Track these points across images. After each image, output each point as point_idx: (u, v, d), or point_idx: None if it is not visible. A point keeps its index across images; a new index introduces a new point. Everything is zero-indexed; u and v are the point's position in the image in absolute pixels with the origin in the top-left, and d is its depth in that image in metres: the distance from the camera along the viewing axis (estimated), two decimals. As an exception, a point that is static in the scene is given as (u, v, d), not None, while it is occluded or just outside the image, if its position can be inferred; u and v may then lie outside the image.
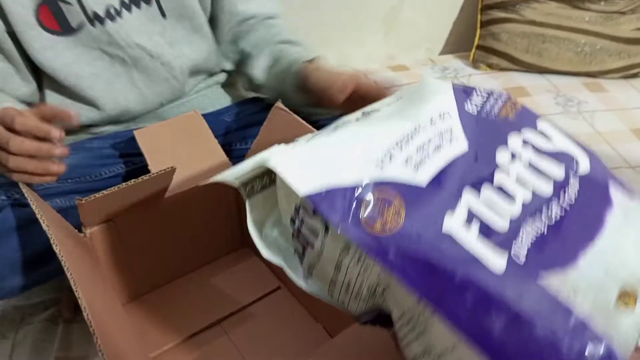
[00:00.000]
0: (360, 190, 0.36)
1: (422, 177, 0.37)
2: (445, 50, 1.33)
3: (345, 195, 0.35)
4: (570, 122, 1.05)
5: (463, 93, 0.45)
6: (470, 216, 0.36)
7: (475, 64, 1.22)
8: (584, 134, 1.02)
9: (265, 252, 0.41)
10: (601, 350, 0.31)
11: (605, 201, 0.39)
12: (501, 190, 0.38)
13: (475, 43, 1.22)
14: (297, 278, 0.41)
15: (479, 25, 1.21)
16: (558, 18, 1.16)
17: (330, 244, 0.36)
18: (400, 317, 0.37)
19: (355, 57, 1.23)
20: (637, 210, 0.40)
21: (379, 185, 0.36)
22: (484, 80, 1.17)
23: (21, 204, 0.60)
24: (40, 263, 0.60)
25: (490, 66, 1.21)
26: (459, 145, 0.40)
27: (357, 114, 0.45)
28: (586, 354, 0.31)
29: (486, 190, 0.38)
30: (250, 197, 0.41)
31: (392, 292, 0.37)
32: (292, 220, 0.39)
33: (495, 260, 0.34)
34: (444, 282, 0.33)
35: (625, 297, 0.34)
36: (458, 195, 0.37)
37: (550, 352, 0.31)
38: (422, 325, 0.35)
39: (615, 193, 0.40)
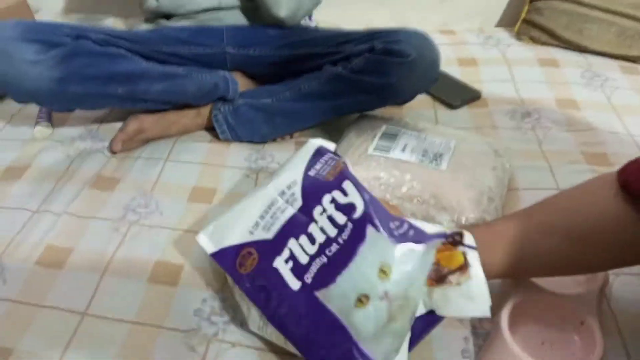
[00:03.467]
0: (236, 248, 0.66)
1: (271, 234, 0.65)
2: (499, 25, 1.43)
3: (229, 252, 0.66)
4: (588, 93, 1.12)
5: (313, 159, 0.70)
6: (289, 257, 0.63)
7: (518, 36, 1.32)
8: (597, 105, 1.09)
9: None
10: (344, 336, 0.57)
11: (361, 237, 0.60)
12: (311, 236, 0.63)
13: (522, 17, 1.31)
14: None
15: (528, 0, 1.31)
16: (603, 0, 1.22)
17: (228, 279, 0.68)
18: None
19: (410, 19, 1.38)
20: (380, 239, 0.59)
21: (247, 245, 0.65)
22: (521, 51, 1.27)
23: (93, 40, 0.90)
24: (101, 85, 0.89)
25: (532, 39, 1.29)
26: (297, 203, 0.66)
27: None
28: (336, 333, 0.57)
29: (302, 238, 0.63)
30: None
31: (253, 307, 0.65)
32: None
33: (294, 282, 0.61)
34: (270, 299, 0.61)
35: (361, 300, 0.57)
36: (285, 243, 0.63)
37: (319, 331, 0.58)
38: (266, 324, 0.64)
39: (369, 229, 0.60)
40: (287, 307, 0.60)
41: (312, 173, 0.68)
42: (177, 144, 1.02)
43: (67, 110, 0.99)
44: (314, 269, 0.61)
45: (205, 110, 1.04)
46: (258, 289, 0.62)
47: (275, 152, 0.99)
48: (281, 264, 0.62)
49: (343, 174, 0.66)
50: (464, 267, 0.57)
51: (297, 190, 0.67)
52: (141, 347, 0.66)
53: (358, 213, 0.62)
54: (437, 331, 0.67)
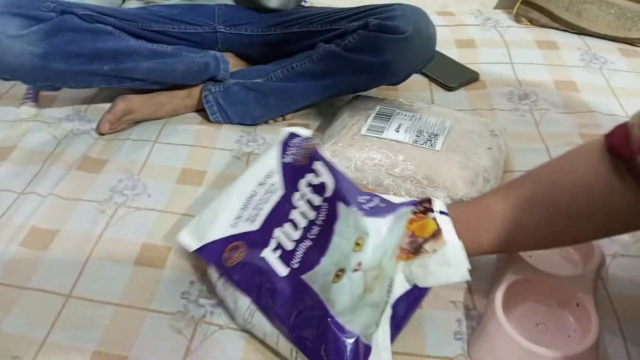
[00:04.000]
0: (221, 242, 0.65)
1: (256, 225, 0.66)
2: (497, 7, 1.40)
3: (214, 246, 0.65)
4: (586, 75, 1.10)
5: (285, 145, 0.70)
6: (276, 245, 0.63)
7: (517, 18, 1.29)
8: (595, 87, 1.07)
9: None
10: (321, 312, 0.56)
11: (335, 214, 0.61)
12: (293, 222, 0.64)
13: (521, -2, 1.29)
14: None
15: (526, -19, 1.28)
16: (604, -20, 1.19)
17: (211, 275, 0.67)
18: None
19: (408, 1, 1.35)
20: (350, 214, 0.59)
21: (234, 238, 0.65)
22: (519, 33, 1.24)
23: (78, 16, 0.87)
24: (85, 62, 0.87)
25: (531, 21, 1.27)
26: (279, 192, 0.67)
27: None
28: (315, 310, 0.56)
29: (286, 225, 0.64)
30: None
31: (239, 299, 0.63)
32: None
33: (282, 269, 0.61)
34: (259, 286, 0.60)
35: (338, 274, 0.57)
36: (271, 233, 0.64)
37: (302, 311, 0.57)
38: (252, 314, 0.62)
39: (340, 206, 0.60)
40: (276, 293, 0.59)
41: (287, 160, 0.69)
42: (166, 125, 1.00)
43: (52, 88, 0.96)
44: (299, 253, 0.61)
45: (195, 91, 1.01)
46: (247, 279, 0.61)
47: (267, 134, 0.97)
48: (269, 254, 0.63)
49: (314, 155, 0.67)
50: (437, 233, 0.56)
51: (277, 179, 0.68)
52: (126, 329, 0.65)
53: (329, 192, 0.63)
54: (429, 313, 0.66)
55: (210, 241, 0.65)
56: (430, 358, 0.61)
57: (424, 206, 0.58)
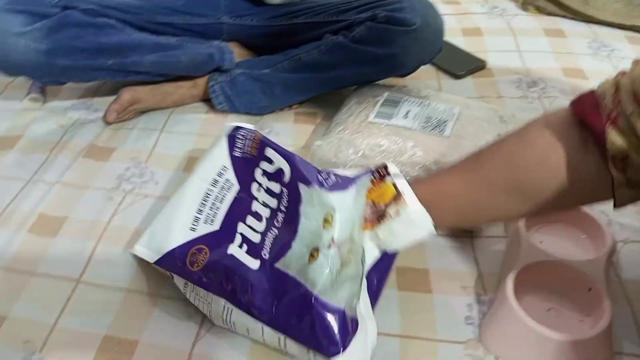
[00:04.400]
0: (182, 248, 0.62)
1: (216, 224, 0.63)
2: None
3: (175, 254, 0.62)
4: (594, 63, 1.09)
5: (231, 139, 0.69)
6: (242, 240, 0.61)
7: (523, 6, 1.28)
8: (604, 75, 1.05)
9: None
10: (302, 291, 0.55)
11: (297, 197, 0.61)
12: (256, 214, 0.63)
13: (528, -14, 1.28)
14: None
15: (534, -31, 1.27)
16: (611, -32, 1.18)
17: (177, 284, 0.64)
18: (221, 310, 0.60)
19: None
20: (313, 193, 0.59)
21: (195, 241, 0.62)
22: (527, 21, 1.23)
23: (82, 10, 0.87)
24: (89, 57, 0.87)
25: (538, 9, 1.26)
26: (234, 188, 0.66)
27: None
28: (296, 292, 0.55)
29: (248, 219, 0.63)
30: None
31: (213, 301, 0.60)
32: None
33: (252, 263, 0.59)
34: (232, 284, 0.58)
35: (312, 255, 0.56)
36: (235, 229, 0.62)
37: (283, 298, 0.56)
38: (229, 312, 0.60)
39: (302, 187, 0.60)
40: (251, 287, 0.57)
41: (237, 153, 0.68)
42: (172, 115, 0.99)
43: (57, 83, 0.96)
44: (268, 243, 0.60)
45: (201, 81, 1.01)
46: (217, 280, 0.59)
47: (274, 122, 0.97)
48: (235, 250, 0.61)
49: (263, 143, 0.67)
50: (397, 196, 0.57)
51: (230, 175, 0.67)
52: (136, 314, 0.64)
53: (287, 176, 0.63)
54: (439, 298, 0.66)
55: (169, 250, 0.62)
56: (441, 342, 0.61)
57: (379, 173, 0.59)
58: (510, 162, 0.56)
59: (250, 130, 0.70)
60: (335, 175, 0.62)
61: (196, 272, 0.60)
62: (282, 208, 0.62)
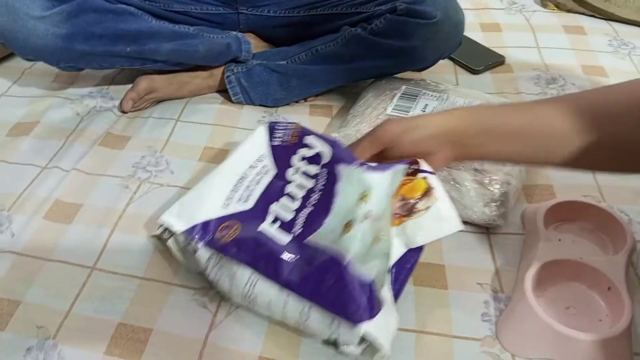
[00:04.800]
0: (214, 222, 0.63)
1: (249, 204, 0.65)
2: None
3: (206, 226, 0.63)
4: (615, 61, 1.07)
5: (271, 130, 0.72)
6: (274, 219, 0.63)
7: (543, 3, 1.26)
8: (624, 73, 1.04)
9: (188, 267, 0.67)
10: (334, 258, 0.56)
11: (336, 177, 0.63)
12: (289, 196, 0.65)
13: (547, -18, 1.26)
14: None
15: (554, -35, 1.25)
16: (635, -35, 1.16)
17: (200, 258, 0.63)
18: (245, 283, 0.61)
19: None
20: (352, 172, 0.62)
21: (224, 219, 0.63)
22: (546, 18, 1.22)
23: None
24: (108, 43, 0.86)
25: (557, 6, 1.24)
26: (271, 172, 0.68)
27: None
28: (327, 259, 0.56)
29: (282, 199, 0.65)
30: (166, 240, 0.66)
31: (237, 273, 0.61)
32: (184, 247, 0.65)
33: (283, 237, 0.61)
34: (260, 256, 0.59)
35: (346, 227, 0.58)
36: (267, 209, 0.64)
37: (312, 268, 0.57)
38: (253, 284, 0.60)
39: (341, 168, 0.63)
40: (280, 260, 0.58)
41: (276, 143, 0.71)
42: (188, 105, 0.99)
43: (75, 69, 0.96)
44: (300, 220, 0.62)
45: (217, 72, 1.00)
46: (246, 251, 0.60)
47: (289, 115, 0.96)
48: (267, 227, 0.62)
49: (303, 132, 0.70)
50: (428, 191, 0.58)
51: (269, 161, 0.69)
52: (151, 302, 0.64)
53: (327, 158, 0.66)
54: (456, 294, 0.65)
55: (200, 222, 0.63)
56: (457, 338, 0.61)
57: (411, 168, 0.60)
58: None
59: (290, 123, 0.73)
60: (371, 164, 0.64)
61: (225, 245, 0.61)
62: (318, 188, 0.64)
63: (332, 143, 0.67)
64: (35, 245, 0.72)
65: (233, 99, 0.99)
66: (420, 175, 0.59)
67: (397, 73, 0.94)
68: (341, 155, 0.64)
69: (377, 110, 0.82)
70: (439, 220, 0.58)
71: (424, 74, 1.01)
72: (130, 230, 0.74)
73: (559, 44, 1.13)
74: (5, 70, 1.08)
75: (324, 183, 0.64)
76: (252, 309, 0.61)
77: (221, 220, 0.63)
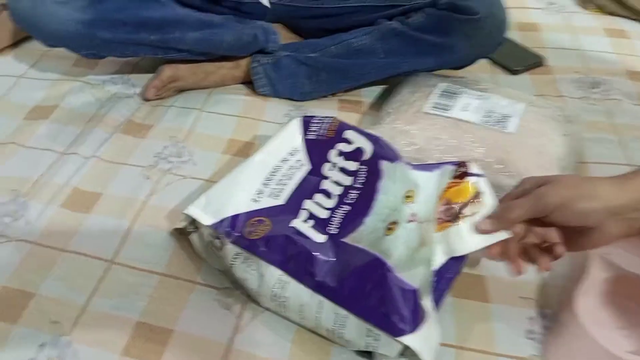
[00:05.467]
0: (243, 217, 0.59)
1: (281, 199, 0.61)
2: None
3: (234, 221, 0.58)
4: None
5: (306, 123, 0.69)
6: (308, 216, 0.59)
7: (583, 4, 1.21)
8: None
9: (210, 262, 0.64)
10: (376, 264, 0.52)
11: (377, 173, 0.60)
12: (325, 192, 0.61)
13: (589, -17, 1.21)
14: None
15: (597, -35, 1.20)
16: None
17: (227, 254, 0.59)
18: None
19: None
20: (397, 169, 0.59)
21: (254, 213, 0.59)
22: (586, 19, 1.17)
23: None
24: (131, 31, 0.83)
25: (599, 8, 1.19)
26: (305, 167, 0.64)
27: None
28: (368, 264, 0.52)
29: (316, 196, 0.61)
30: (190, 234, 0.64)
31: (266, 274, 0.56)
32: (210, 242, 0.61)
33: (318, 236, 0.57)
34: (291, 256, 0.55)
35: (390, 228, 0.55)
36: (300, 205, 0.60)
37: (351, 270, 0.53)
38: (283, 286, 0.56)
39: (384, 164, 0.60)
40: (314, 259, 0.54)
41: (311, 137, 0.67)
42: (211, 95, 0.95)
43: (97, 56, 0.93)
44: (336, 220, 0.58)
45: (244, 62, 0.96)
46: (277, 250, 0.56)
47: (317, 109, 0.92)
48: (299, 224, 0.58)
49: (342, 126, 0.67)
50: (476, 196, 0.54)
51: (303, 155, 0.66)
52: (172, 301, 0.60)
53: (367, 154, 0.63)
54: (498, 308, 0.61)
55: (229, 215, 0.59)
56: (500, 356, 0.56)
57: (459, 170, 0.56)
58: None
59: (326, 117, 0.70)
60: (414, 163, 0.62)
61: (254, 241, 0.57)
62: (357, 185, 0.61)
63: (374, 139, 0.63)
64: (51, 234, 0.68)
65: (259, 90, 0.95)
66: (469, 178, 0.55)
67: (434, 70, 0.90)
68: (383, 151, 0.61)
69: (414, 107, 0.78)
70: None
71: (460, 73, 0.97)
72: (151, 223, 0.70)
73: (600, 47, 1.08)
74: (23, 52, 1.05)
75: (363, 180, 0.60)
76: (280, 313, 0.57)
77: (251, 214, 0.59)
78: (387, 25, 0.87)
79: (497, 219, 0.53)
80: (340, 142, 0.65)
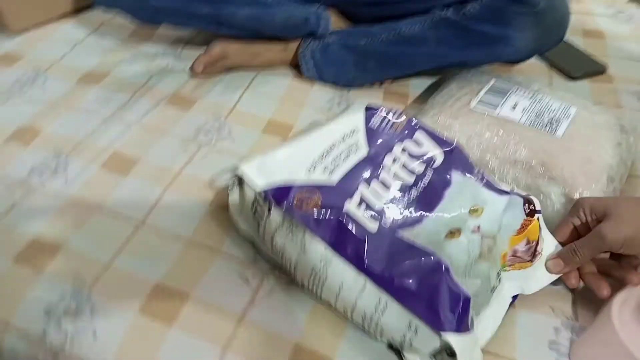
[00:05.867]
0: (294, 188, 0.57)
1: (334, 178, 0.59)
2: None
3: (286, 190, 0.57)
4: None
5: (371, 112, 0.67)
6: (361, 201, 0.57)
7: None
8: None
9: (241, 226, 0.63)
10: (436, 264, 0.50)
11: (446, 182, 0.60)
12: (382, 183, 0.59)
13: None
14: (258, 240, 0.62)
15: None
16: None
17: (271, 222, 0.57)
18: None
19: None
20: (467, 182, 0.59)
21: (306, 186, 0.57)
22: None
23: None
24: (184, 2, 0.85)
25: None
26: (361, 151, 0.62)
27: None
28: (423, 259, 0.51)
29: (373, 184, 0.59)
30: (230, 194, 0.63)
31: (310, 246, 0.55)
32: (253, 206, 0.60)
33: (371, 225, 0.55)
34: (342, 237, 0.53)
35: (452, 233, 0.54)
36: (355, 188, 0.58)
37: (404, 262, 0.51)
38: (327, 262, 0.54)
39: (455, 174, 0.60)
40: (365, 242, 0.52)
41: (374, 122, 0.66)
42: (258, 75, 0.96)
43: (151, 22, 0.95)
44: (391, 214, 0.57)
45: (293, 45, 0.96)
46: (327, 228, 0.54)
47: (361, 98, 0.91)
48: (353, 207, 0.56)
49: (414, 124, 0.66)
50: (540, 232, 0.56)
51: (361, 137, 0.64)
52: (193, 267, 0.61)
53: (438, 161, 0.62)
54: (523, 315, 0.58)
55: (281, 182, 0.58)
56: (520, 364, 0.53)
57: (530, 208, 0.57)
58: None
59: (395, 110, 0.68)
60: (483, 175, 0.62)
61: (307, 214, 0.55)
62: (420, 186, 0.60)
63: (448, 147, 0.63)
64: (87, 192, 0.70)
65: (305, 74, 0.94)
66: (537, 215, 0.57)
67: (484, 64, 0.87)
68: (457, 161, 0.61)
69: (460, 102, 0.75)
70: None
71: (514, 73, 0.93)
72: (183, 191, 0.71)
73: (671, 61, 1.01)
74: (84, 20, 1.09)
75: (426, 184, 0.60)
76: (314, 289, 0.56)
77: (303, 187, 0.57)
78: (440, 14, 0.84)
79: (565, 262, 0.56)
80: (409, 139, 0.64)
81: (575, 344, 0.55)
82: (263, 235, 0.59)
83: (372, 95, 0.92)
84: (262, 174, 0.59)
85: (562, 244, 0.58)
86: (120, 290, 0.58)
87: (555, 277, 0.56)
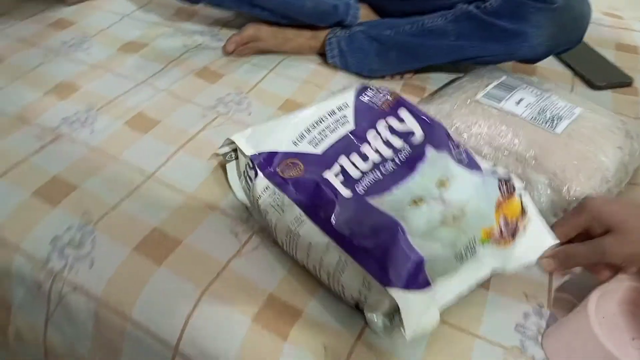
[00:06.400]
0: (280, 156, 0.63)
1: (319, 149, 0.64)
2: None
3: (271, 157, 0.63)
4: None
5: (362, 90, 0.71)
6: (340, 170, 0.61)
7: (698, 35, 1.11)
8: None
9: (238, 195, 0.68)
10: (392, 226, 0.52)
11: (420, 156, 0.61)
12: (363, 155, 0.63)
13: None
14: (250, 204, 0.67)
15: None
16: None
17: (256, 186, 0.63)
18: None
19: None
20: (439, 157, 0.60)
21: (290, 154, 0.63)
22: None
23: None
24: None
25: None
26: (348, 126, 0.67)
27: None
28: (381, 220, 0.53)
29: (353, 155, 0.63)
30: (229, 162, 0.70)
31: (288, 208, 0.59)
32: (245, 171, 0.66)
33: (346, 191, 0.59)
34: (315, 200, 0.57)
35: (415, 202, 0.55)
36: (336, 159, 0.62)
37: (367, 224, 0.53)
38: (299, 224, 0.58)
39: (430, 150, 0.61)
40: (336, 207, 0.56)
41: (364, 99, 0.70)
42: (285, 60, 1.00)
43: (188, 2, 1.01)
44: (366, 182, 0.60)
45: (321, 34, 1.00)
46: (305, 191, 0.59)
47: (381, 89, 0.94)
48: (330, 176, 0.61)
49: (399, 103, 0.68)
50: (523, 210, 0.56)
51: (349, 113, 0.68)
52: (189, 217, 0.66)
53: (417, 139, 0.64)
54: (495, 297, 0.59)
55: (268, 150, 0.64)
56: (481, 340, 0.55)
57: (507, 187, 0.57)
58: None
59: (385, 89, 0.72)
60: (467, 152, 0.62)
61: (286, 179, 0.61)
62: (397, 160, 0.62)
63: (427, 123, 0.65)
64: (108, 144, 0.76)
65: (329, 60, 0.98)
66: (516, 193, 0.56)
67: (503, 60, 0.88)
68: (434, 137, 0.63)
69: (467, 94, 0.77)
70: (535, 238, 0.55)
71: (538, 76, 0.93)
72: (193, 153, 0.76)
73: None
74: (136, -4, 1.17)
75: (403, 159, 0.62)
76: (290, 250, 0.60)
77: (287, 155, 0.63)
78: (462, 8, 0.86)
79: (560, 262, 0.56)
80: (393, 116, 0.67)
81: (548, 331, 0.56)
82: (252, 198, 0.64)
83: (391, 87, 0.94)
84: (251, 142, 0.65)
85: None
86: (121, 229, 0.64)
87: (534, 258, 0.55)
